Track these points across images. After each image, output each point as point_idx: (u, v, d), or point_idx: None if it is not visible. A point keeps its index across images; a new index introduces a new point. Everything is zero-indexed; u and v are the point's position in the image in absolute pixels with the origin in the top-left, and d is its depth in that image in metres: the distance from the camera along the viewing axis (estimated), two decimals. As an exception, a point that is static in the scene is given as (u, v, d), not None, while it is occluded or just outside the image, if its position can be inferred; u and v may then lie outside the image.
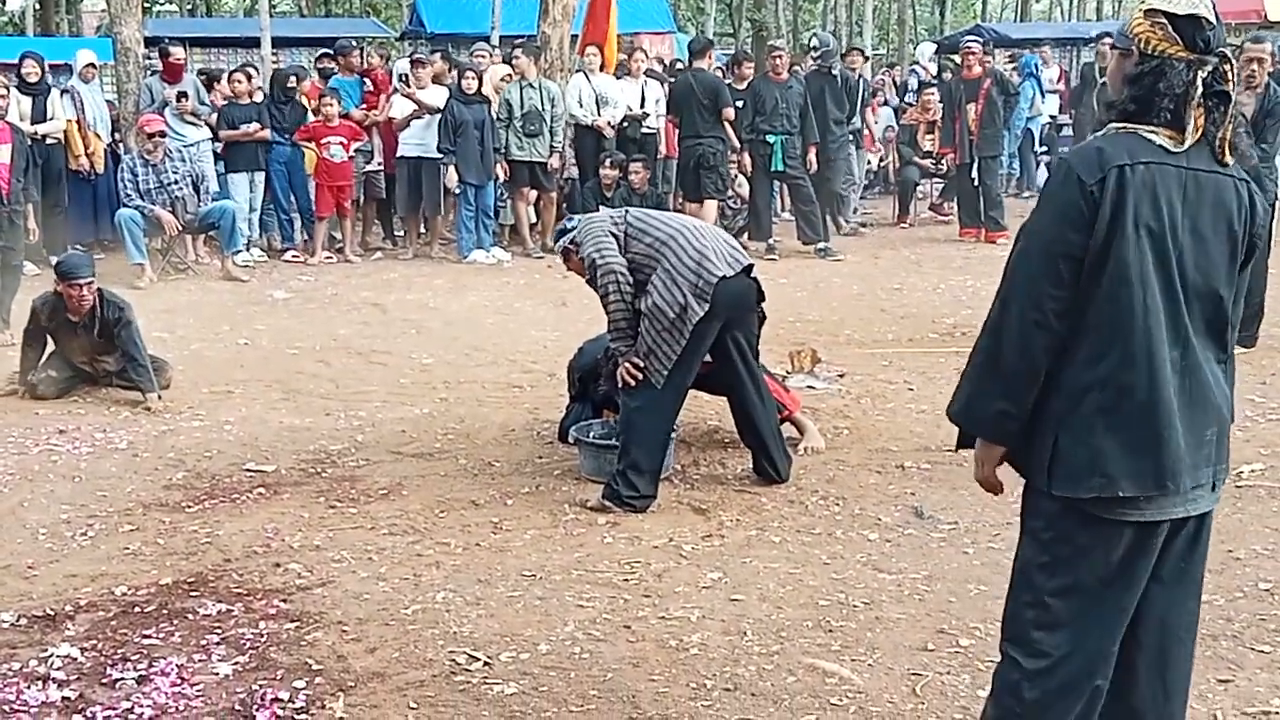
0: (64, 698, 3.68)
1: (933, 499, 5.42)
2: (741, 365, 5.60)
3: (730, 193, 13.20)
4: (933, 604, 4.36)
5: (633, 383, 5.37)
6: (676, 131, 12.80)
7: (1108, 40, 11.66)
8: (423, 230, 13.31)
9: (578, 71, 13.24)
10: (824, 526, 5.16)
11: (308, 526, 5.19)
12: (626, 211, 5.64)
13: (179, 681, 3.78)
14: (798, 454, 5.98)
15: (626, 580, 4.58)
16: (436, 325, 9.49)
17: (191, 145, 11.89)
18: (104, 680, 3.80)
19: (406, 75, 12.71)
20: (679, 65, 15.01)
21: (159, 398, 7.15)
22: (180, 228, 11.25)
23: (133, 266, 10.88)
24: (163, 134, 11.22)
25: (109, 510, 5.46)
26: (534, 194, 12.81)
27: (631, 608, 4.34)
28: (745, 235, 12.56)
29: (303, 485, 5.78)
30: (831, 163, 13.12)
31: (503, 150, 12.27)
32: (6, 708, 3.63)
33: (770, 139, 12.26)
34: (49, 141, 11.74)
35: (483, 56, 13.74)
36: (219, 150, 12.31)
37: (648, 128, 12.93)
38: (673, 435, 5.72)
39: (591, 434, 5.96)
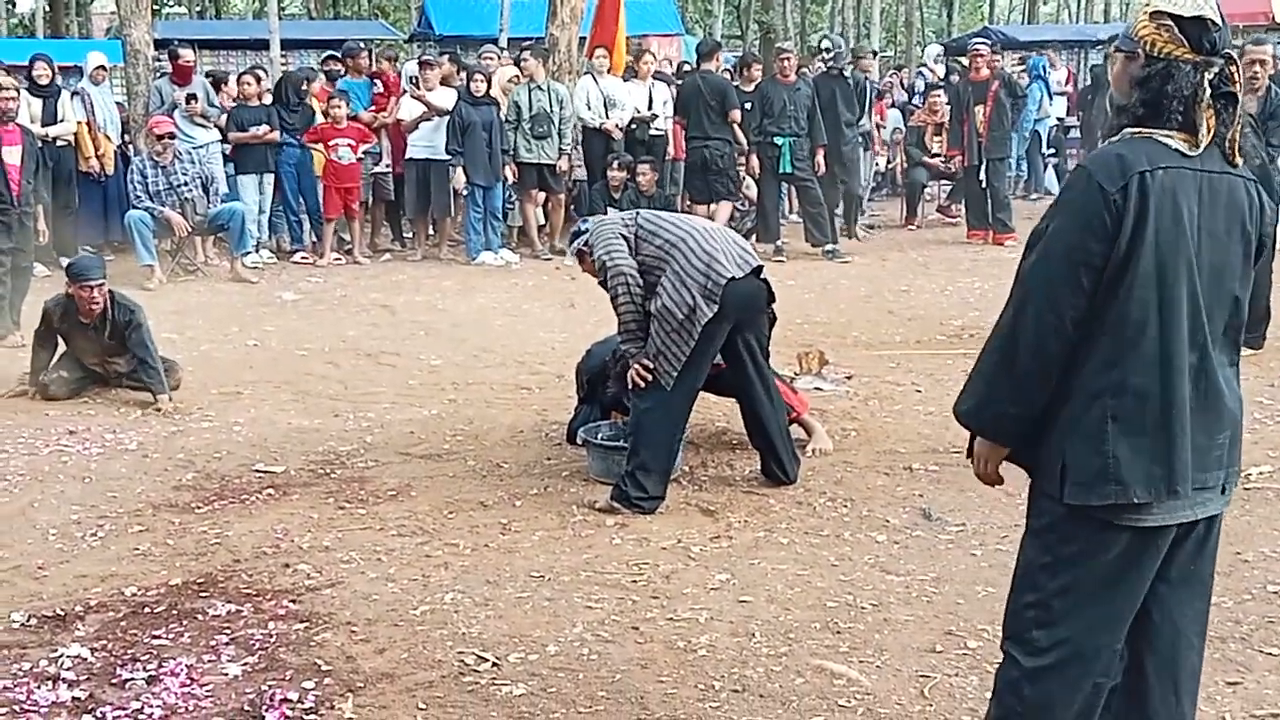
0: (74, 698, 3.70)
1: (941, 501, 5.42)
2: (751, 367, 5.61)
3: (739, 195, 13.20)
4: (941, 606, 4.36)
5: (642, 384, 5.37)
6: (684, 133, 12.82)
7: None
8: (431, 232, 13.35)
9: (586, 74, 13.25)
10: (832, 528, 5.16)
11: (317, 527, 5.21)
12: (637, 214, 5.65)
13: (188, 682, 3.79)
14: (806, 456, 5.98)
15: (635, 581, 4.59)
16: (445, 327, 9.50)
17: (201, 147, 11.93)
18: (114, 680, 3.81)
19: (416, 78, 12.73)
20: (686, 67, 15.02)
21: (170, 399, 7.16)
22: (189, 229, 11.28)
23: (142, 268, 10.91)
24: (172, 136, 11.25)
25: (119, 511, 5.48)
26: (542, 196, 12.83)
27: (640, 609, 4.34)
28: (753, 237, 12.55)
29: (312, 486, 5.79)
30: (848, 165, 13.10)
31: (511, 152, 12.28)
32: (17, 707, 3.64)
33: (778, 141, 12.26)
34: (59, 143, 11.78)
35: (491, 59, 13.76)
36: (228, 152, 12.34)
37: (656, 129, 12.94)
38: (681, 437, 5.72)
39: (600, 435, 5.97)
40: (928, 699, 3.70)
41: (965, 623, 4.20)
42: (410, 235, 13.47)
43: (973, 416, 2.82)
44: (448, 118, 12.08)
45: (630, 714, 3.61)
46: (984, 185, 13.34)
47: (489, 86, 12.34)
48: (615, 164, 11.95)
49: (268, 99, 12.51)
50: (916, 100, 16.89)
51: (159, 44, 13.74)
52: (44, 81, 11.81)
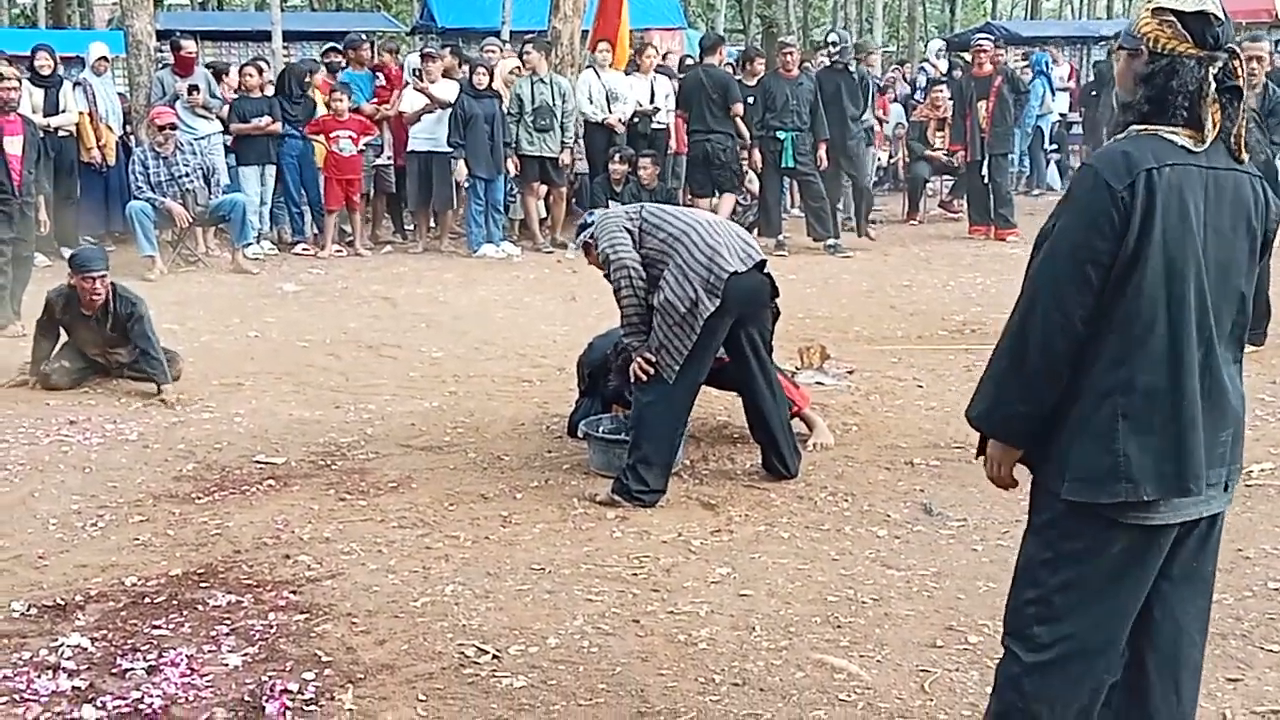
0: (74, 687, 3.70)
1: (942, 496, 5.42)
2: (754, 361, 5.61)
3: (741, 188, 13.19)
4: (941, 601, 4.36)
5: (645, 378, 5.37)
6: (686, 127, 12.81)
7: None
8: (433, 224, 13.35)
9: (588, 67, 13.24)
10: (833, 522, 5.16)
11: (317, 519, 5.21)
12: (643, 207, 5.65)
13: (189, 672, 3.79)
14: (807, 450, 5.98)
15: (635, 575, 4.59)
16: (446, 319, 9.50)
17: (202, 138, 11.91)
18: (114, 670, 3.81)
19: (419, 70, 12.72)
20: (689, 61, 15.01)
21: (174, 390, 7.16)
22: (191, 220, 11.27)
23: (143, 258, 10.91)
24: (174, 126, 11.24)
25: (119, 501, 5.47)
26: (544, 189, 12.82)
27: (640, 602, 4.34)
28: (755, 231, 12.53)
29: (312, 477, 5.79)
30: (854, 159, 13.06)
31: (513, 145, 12.27)
32: (17, 696, 3.64)
33: (781, 135, 12.25)
34: (61, 134, 11.77)
35: (493, 51, 13.74)
36: (229, 143, 12.33)
37: (658, 123, 12.93)
38: (683, 431, 5.72)
39: (601, 429, 5.97)
40: (928, 694, 3.70)
41: (966, 618, 4.20)
42: (411, 227, 13.46)
43: (984, 420, 2.80)
44: (450, 110, 12.08)
45: (630, 707, 3.62)
46: (986, 181, 13.34)
47: (491, 79, 12.33)
48: (617, 157, 11.94)
49: (270, 90, 12.50)
50: (918, 95, 16.87)
51: (161, 35, 13.74)
52: (46, 72, 11.80)
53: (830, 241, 12.49)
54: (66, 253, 10.90)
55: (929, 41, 24.43)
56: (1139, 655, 2.82)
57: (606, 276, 5.50)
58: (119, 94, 13.31)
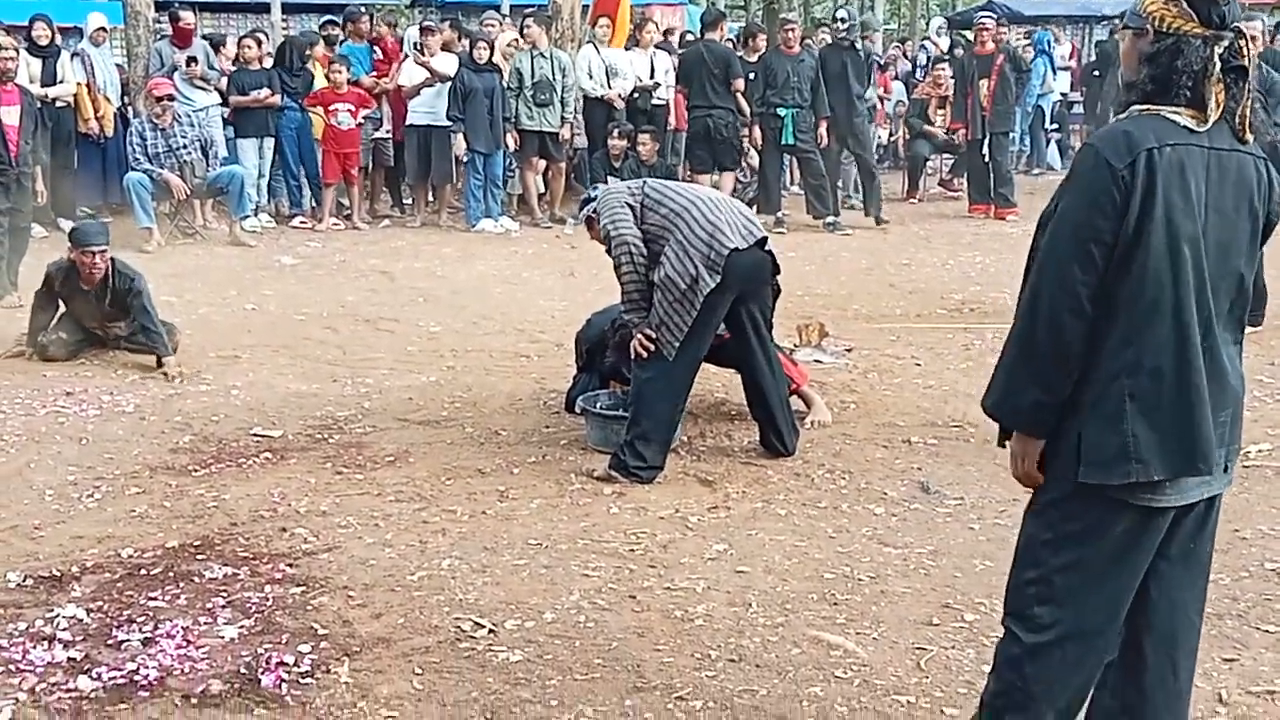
0: (69, 658, 3.70)
1: (939, 474, 5.42)
2: (754, 338, 5.59)
3: (742, 165, 13.15)
4: (938, 578, 4.36)
5: (645, 354, 5.36)
6: (686, 103, 12.76)
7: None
8: (431, 198, 13.30)
9: (588, 43, 13.18)
10: (830, 500, 5.16)
11: (314, 492, 5.20)
12: (645, 182, 5.62)
13: (184, 644, 3.78)
14: (805, 428, 5.97)
15: (632, 550, 4.59)
16: (444, 294, 9.48)
17: (200, 110, 11.87)
18: (109, 641, 3.81)
19: (420, 43, 12.66)
20: (690, 37, 14.94)
21: (177, 364, 7.15)
22: (188, 192, 11.24)
23: (140, 230, 10.87)
24: (171, 97, 11.19)
25: (116, 473, 5.47)
26: (543, 164, 12.78)
27: (637, 578, 4.34)
28: (755, 208, 12.51)
29: (309, 451, 5.79)
30: (860, 138, 12.98)
31: (513, 119, 12.23)
32: (13, 667, 3.64)
33: (781, 112, 12.20)
34: (58, 104, 11.70)
35: (492, 25, 13.68)
36: (228, 115, 12.29)
37: (658, 99, 12.88)
38: (683, 407, 5.71)
39: (599, 404, 5.96)
40: (924, 671, 3.70)
41: (962, 596, 4.20)
42: (410, 202, 13.42)
43: (999, 409, 2.77)
44: (449, 84, 12.02)
45: (626, 682, 3.62)
46: (986, 160, 13.30)
47: (491, 53, 12.28)
48: (616, 133, 11.89)
49: (268, 63, 12.44)
50: (919, 74, 16.81)
51: (159, 6, 13.64)
52: (43, 42, 11.73)
53: (830, 219, 12.46)
54: (64, 224, 10.90)
55: (930, 19, 24.35)
56: (1136, 635, 2.82)
57: (608, 252, 5.48)
58: (117, 65, 13.24)
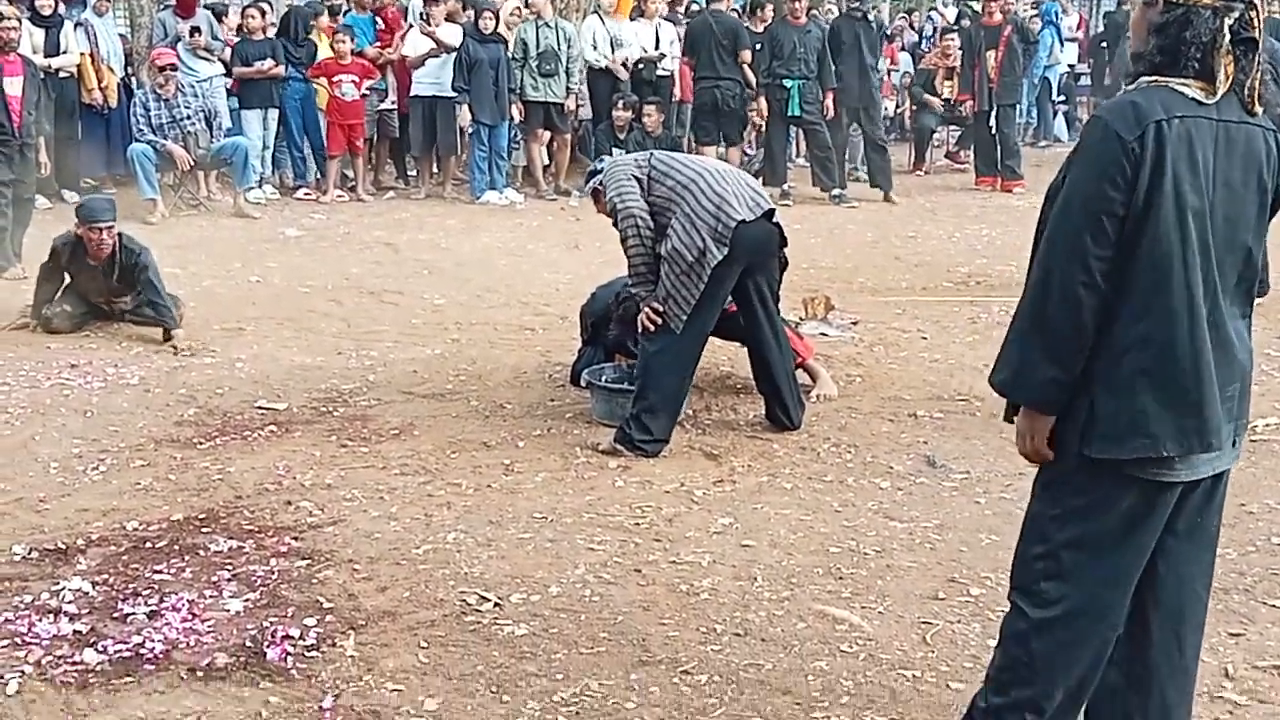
0: (75, 631, 3.70)
1: (945, 448, 5.41)
2: (761, 311, 5.56)
3: (748, 138, 13.10)
4: (944, 553, 4.35)
5: (652, 327, 5.34)
6: (691, 74, 12.70)
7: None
8: (435, 170, 13.26)
9: (593, 13, 13.12)
10: (836, 474, 5.15)
11: (319, 465, 5.20)
12: (651, 154, 5.59)
13: (190, 617, 3.79)
14: (810, 401, 5.96)
15: (637, 524, 4.58)
16: (449, 266, 9.46)
17: (204, 81, 11.82)
18: (115, 614, 3.81)
19: (426, 13, 12.60)
20: (695, 8, 14.87)
21: (184, 336, 7.14)
22: (192, 163, 11.21)
23: (144, 201, 10.85)
24: (174, 67, 11.15)
25: (120, 445, 5.46)
26: (548, 135, 12.73)
27: (642, 552, 4.34)
28: (760, 180, 12.46)
29: (314, 424, 5.78)
30: (870, 109, 12.90)
31: (518, 91, 12.17)
32: (19, 640, 3.64)
33: (787, 84, 12.14)
34: (62, 75, 11.64)
35: (497, -6, 13.61)
36: (231, 86, 12.24)
37: (663, 70, 12.82)
38: (689, 381, 5.68)
39: (604, 378, 5.95)
40: (929, 645, 3.69)
41: (968, 570, 4.20)
42: (414, 173, 13.39)
43: (1009, 385, 2.72)
44: (454, 55, 11.97)
45: (632, 655, 3.61)
46: (993, 131, 13.24)
47: (496, 24, 12.22)
48: (620, 104, 11.84)
49: (272, 33, 12.40)
50: (925, 44, 16.72)
51: (162, -25, 13.60)
52: (47, 12, 11.65)
53: (836, 191, 12.42)
54: (67, 195, 10.88)
55: (937, -10, 24.19)
56: (1142, 609, 2.80)
57: (614, 224, 5.46)
58: (120, 35, 13.18)
